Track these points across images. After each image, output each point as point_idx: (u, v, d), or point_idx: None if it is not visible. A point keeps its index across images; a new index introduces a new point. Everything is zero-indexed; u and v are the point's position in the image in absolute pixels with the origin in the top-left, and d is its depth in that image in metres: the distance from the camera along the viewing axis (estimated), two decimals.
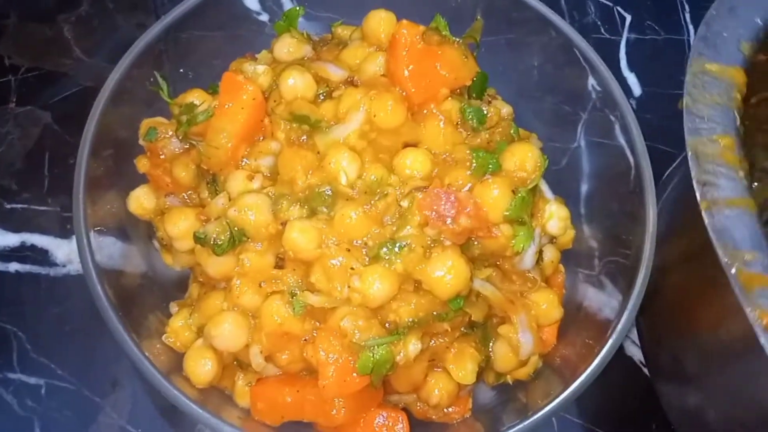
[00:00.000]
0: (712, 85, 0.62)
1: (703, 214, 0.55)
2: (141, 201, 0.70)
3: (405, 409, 0.65)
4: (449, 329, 0.62)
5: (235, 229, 0.61)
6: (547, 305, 0.68)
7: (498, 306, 0.64)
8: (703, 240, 0.55)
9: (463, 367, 0.64)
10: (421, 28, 0.65)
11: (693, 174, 0.57)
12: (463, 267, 0.59)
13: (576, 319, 0.69)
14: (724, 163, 0.58)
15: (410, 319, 0.59)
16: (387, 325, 0.60)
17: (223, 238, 0.61)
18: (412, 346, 0.60)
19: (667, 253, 0.71)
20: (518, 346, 0.65)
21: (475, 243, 0.63)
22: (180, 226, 0.67)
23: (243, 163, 0.65)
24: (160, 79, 0.71)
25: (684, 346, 0.71)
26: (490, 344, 0.67)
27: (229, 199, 0.65)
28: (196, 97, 0.67)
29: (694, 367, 0.69)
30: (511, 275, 0.68)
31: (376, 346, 0.58)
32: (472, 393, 0.69)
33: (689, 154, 0.58)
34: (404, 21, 0.65)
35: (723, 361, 0.64)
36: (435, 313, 0.60)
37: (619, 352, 0.80)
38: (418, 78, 0.64)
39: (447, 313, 0.61)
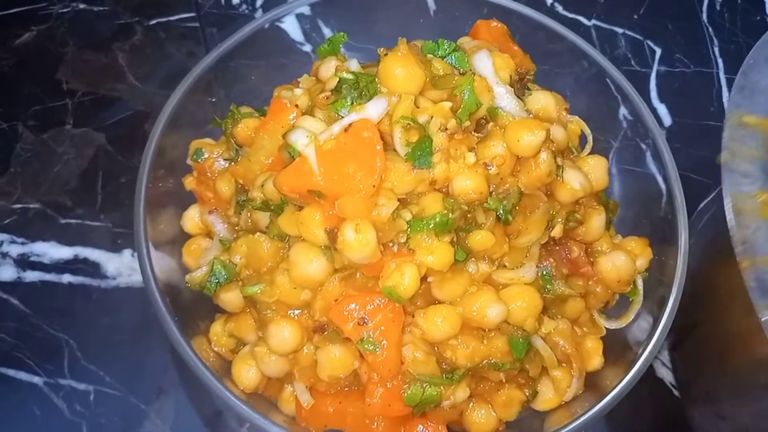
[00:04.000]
0: (749, 138, 0.62)
1: (743, 272, 0.56)
2: (195, 220, 0.74)
3: None
4: (504, 380, 0.63)
5: (229, 264, 0.64)
6: (594, 353, 0.69)
7: (551, 363, 0.65)
8: (739, 280, 0.55)
9: (509, 409, 0.65)
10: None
11: (734, 232, 0.58)
12: (536, 297, 0.62)
13: (609, 340, 0.70)
14: (763, 220, 0.59)
15: (466, 363, 0.60)
16: (444, 365, 0.61)
17: (210, 281, 0.64)
18: (462, 392, 0.62)
19: (702, 288, 0.71)
20: (567, 391, 0.66)
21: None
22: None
23: None
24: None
25: (718, 381, 0.72)
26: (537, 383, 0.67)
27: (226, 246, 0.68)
28: (246, 110, 0.72)
29: (728, 401, 0.70)
30: (581, 325, 0.69)
31: (428, 384, 0.60)
32: None
33: (730, 213, 0.59)
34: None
35: (758, 398, 0.65)
36: (492, 360, 0.61)
37: (651, 374, 0.82)
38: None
39: (504, 363, 0.61)
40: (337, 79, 0.63)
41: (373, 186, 0.56)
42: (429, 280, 0.60)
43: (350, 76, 0.62)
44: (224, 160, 0.72)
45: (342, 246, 0.56)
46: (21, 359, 0.80)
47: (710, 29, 1.12)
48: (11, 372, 0.79)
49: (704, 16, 1.14)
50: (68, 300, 0.84)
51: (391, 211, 0.56)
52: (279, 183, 0.59)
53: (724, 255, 0.73)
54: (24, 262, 0.86)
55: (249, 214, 0.67)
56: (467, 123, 0.60)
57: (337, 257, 0.59)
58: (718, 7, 1.14)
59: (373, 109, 0.59)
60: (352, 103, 0.60)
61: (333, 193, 0.57)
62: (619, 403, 0.78)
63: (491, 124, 0.62)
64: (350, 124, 0.58)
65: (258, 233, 0.64)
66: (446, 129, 0.58)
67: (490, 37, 0.74)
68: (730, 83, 1.07)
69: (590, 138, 0.75)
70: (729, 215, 0.59)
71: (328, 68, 0.74)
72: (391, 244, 0.58)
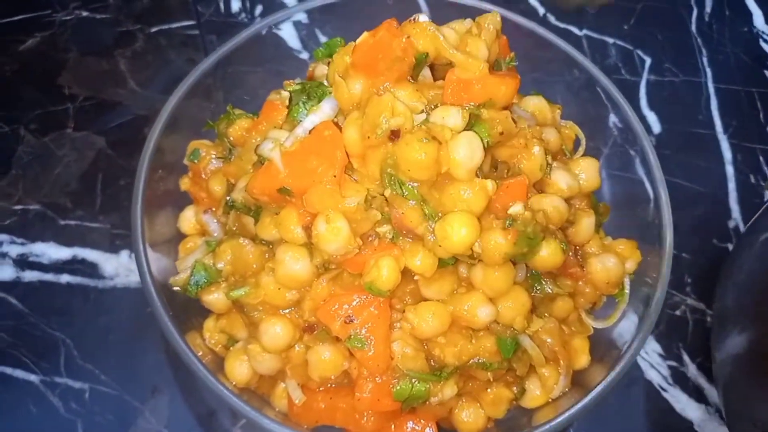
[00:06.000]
0: None
1: None
2: (191, 221, 0.75)
3: None
4: (491, 379, 0.64)
5: (213, 267, 0.66)
6: (581, 352, 0.70)
7: (538, 362, 0.66)
8: None
9: (497, 408, 0.66)
10: None
11: None
12: (525, 296, 0.63)
13: (596, 339, 0.72)
14: None
15: (454, 362, 0.61)
16: (432, 363, 0.62)
17: (190, 284, 0.66)
18: (450, 390, 0.62)
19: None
20: (553, 388, 0.67)
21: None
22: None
23: None
24: None
25: (757, 388, 0.69)
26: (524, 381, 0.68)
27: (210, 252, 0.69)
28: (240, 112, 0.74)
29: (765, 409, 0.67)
30: (569, 324, 0.71)
31: (417, 380, 0.61)
32: None
33: None
34: None
35: None
36: (480, 360, 0.62)
37: (640, 376, 0.83)
38: None
39: (492, 363, 0.63)
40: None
41: (334, 176, 0.58)
42: (415, 278, 0.61)
43: (298, 87, 0.66)
44: (217, 159, 0.73)
45: (317, 239, 0.58)
46: (18, 357, 0.81)
47: (699, 40, 1.14)
48: (8, 370, 0.80)
49: (693, 26, 1.16)
50: (66, 300, 0.85)
51: (357, 201, 0.58)
52: (250, 187, 0.62)
53: None
54: (23, 262, 0.87)
55: (236, 214, 0.68)
56: None
57: (317, 253, 0.60)
58: (706, 18, 1.17)
59: (327, 107, 0.62)
60: (304, 106, 0.63)
61: (298, 188, 0.59)
62: (609, 405, 0.80)
63: None
64: (314, 128, 0.61)
65: (242, 238, 0.66)
66: None
67: None
68: (718, 92, 1.09)
69: (583, 142, 0.77)
70: None
71: (323, 71, 0.76)
72: (371, 239, 0.60)
